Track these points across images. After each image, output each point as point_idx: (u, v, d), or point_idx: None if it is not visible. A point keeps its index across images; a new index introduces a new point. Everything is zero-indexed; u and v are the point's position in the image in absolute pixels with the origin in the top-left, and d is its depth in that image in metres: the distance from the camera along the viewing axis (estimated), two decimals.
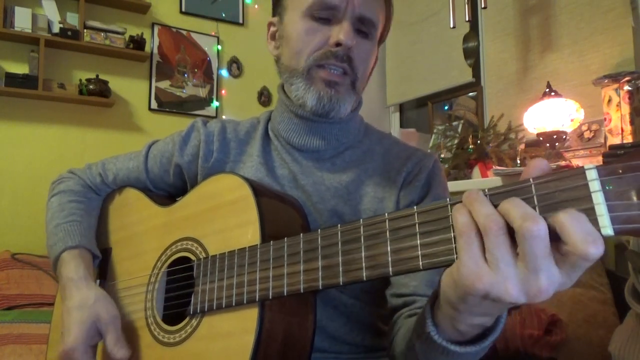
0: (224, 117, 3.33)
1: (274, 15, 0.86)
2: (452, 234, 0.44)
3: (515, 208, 0.39)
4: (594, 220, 0.37)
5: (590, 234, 0.37)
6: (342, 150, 0.84)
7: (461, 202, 0.43)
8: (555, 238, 0.38)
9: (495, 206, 0.41)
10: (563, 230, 0.37)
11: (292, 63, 0.79)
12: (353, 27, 0.75)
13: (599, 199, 0.37)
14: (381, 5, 0.80)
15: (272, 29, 0.86)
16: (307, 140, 0.82)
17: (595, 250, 0.36)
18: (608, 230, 0.37)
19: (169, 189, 0.93)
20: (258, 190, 0.68)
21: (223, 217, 0.70)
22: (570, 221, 0.37)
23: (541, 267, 0.38)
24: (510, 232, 0.40)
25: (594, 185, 0.37)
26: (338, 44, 0.74)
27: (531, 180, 0.41)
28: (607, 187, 0.37)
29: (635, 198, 0.36)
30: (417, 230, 0.46)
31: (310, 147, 0.82)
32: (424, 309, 0.54)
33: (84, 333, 0.72)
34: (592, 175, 0.38)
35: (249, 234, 0.65)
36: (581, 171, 0.38)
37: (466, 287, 0.41)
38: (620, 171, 0.37)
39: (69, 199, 0.91)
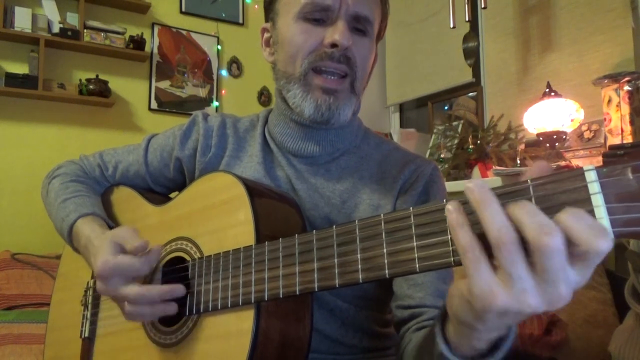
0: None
1: (266, 20, 0.84)
2: (449, 237, 0.43)
3: (529, 217, 0.37)
4: None
5: (594, 228, 0.35)
6: (338, 156, 0.82)
7: (458, 202, 0.41)
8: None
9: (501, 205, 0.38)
10: (570, 233, 0.36)
11: (288, 68, 0.77)
12: (348, 26, 0.73)
13: (598, 201, 0.36)
14: (375, 1, 0.78)
15: (266, 35, 0.85)
16: (302, 146, 0.81)
17: (605, 243, 0.35)
18: None
19: (168, 184, 0.92)
20: (252, 189, 0.67)
21: (217, 216, 0.69)
22: (573, 221, 0.36)
23: (560, 278, 0.36)
24: (522, 242, 0.37)
25: (594, 187, 0.37)
26: (334, 45, 0.72)
27: (529, 181, 0.39)
28: (606, 189, 0.36)
29: (634, 200, 0.35)
30: (414, 232, 0.45)
31: (305, 152, 0.81)
32: (434, 330, 0.51)
33: (107, 248, 0.67)
34: (591, 176, 0.37)
35: (244, 234, 0.64)
36: (580, 172, 0.37)
37: (483, 308, 0.39)
38: (620, 172, 0.36)
39: (70, 179, 0.90)
